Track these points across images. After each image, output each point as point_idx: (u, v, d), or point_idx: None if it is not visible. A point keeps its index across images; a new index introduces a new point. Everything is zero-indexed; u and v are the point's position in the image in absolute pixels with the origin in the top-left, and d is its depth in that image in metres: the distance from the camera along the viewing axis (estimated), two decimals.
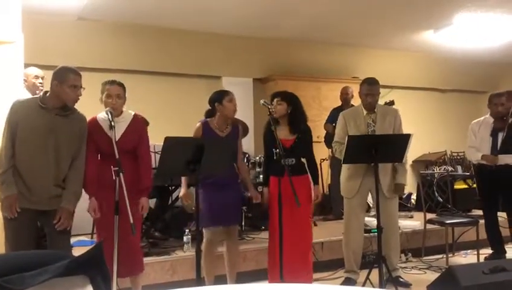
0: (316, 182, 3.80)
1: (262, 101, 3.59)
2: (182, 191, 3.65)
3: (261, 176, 5.23)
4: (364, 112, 4.04)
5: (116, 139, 2.99)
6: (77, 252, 1.80)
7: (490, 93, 4.81)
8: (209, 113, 3.71)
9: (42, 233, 3.20)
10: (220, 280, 3.76)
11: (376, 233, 3.73)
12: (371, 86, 4.01)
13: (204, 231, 3.62)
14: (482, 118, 4.80)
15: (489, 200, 4.75)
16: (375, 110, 4.04)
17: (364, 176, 3.95)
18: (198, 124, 3.65)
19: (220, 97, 3.61)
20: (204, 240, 3.61)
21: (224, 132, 3.63)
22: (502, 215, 4.86)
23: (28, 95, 4.23)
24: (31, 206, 2.86)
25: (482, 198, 4.87)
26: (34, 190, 2.86)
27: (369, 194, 4.15)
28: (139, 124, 3.30)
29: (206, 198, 3.55)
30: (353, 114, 4.13)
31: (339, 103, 6.27)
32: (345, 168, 4.12)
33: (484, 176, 4.73)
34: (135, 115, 3.30)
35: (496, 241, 4.73)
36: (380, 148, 3.54)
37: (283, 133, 3.70)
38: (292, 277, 3.40)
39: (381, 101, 5.87)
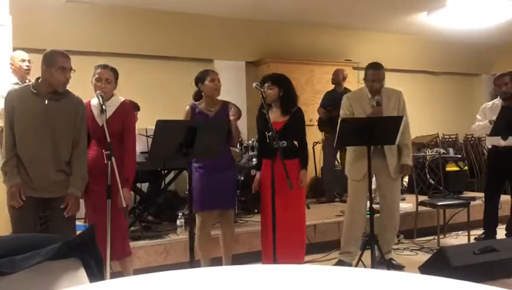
0: (303, 166, 3.74)
1: (254, 84, 3.56)
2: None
3: (254, 160, 5.24)
4: (369, 95, 3.99)
5: (103, 123, 2.96)
6: None
7: (494, 77, 4.81)
8: (197, 95, 3.72)
9: (43, 220, 3.20)
10: (215, 261, 3.78)
11: (369, 215, 3.75)
12: (376, 71, 3.95)
13: (196, 214, 3.63)
14: (492, 101, 4.81)
15: (496, 183, 4.79)
16: (381, 92, 3.99)
17: (372, 158, 3.83)
18: (187, 108, 3.67)
19: (202, 77, 3.63)
20: (196, 223, 3.60)
21: (212, 110, 3.64)
22: None
23: (14, 79, 4.18)
24: (33, 194, 2.84)
25: (488, 180, 4.90)
26: (35, 177, 2.84)
27: (374, 177, 4.07)
28: (126, 110, 3.26)
29: (201, 182, 3.55)
30: (358, 97, 4.09)
31: (332, 86, 6.25)
32: (350, 150, 4.10)
33: (496, 158, 4.74)
34: (124, 101, 3.27)
35: (492, 224, 4.78)
36: (372, 131, 3.52)
37: (274, 116, 3.69)
38: (285, 258, 3.41)
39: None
